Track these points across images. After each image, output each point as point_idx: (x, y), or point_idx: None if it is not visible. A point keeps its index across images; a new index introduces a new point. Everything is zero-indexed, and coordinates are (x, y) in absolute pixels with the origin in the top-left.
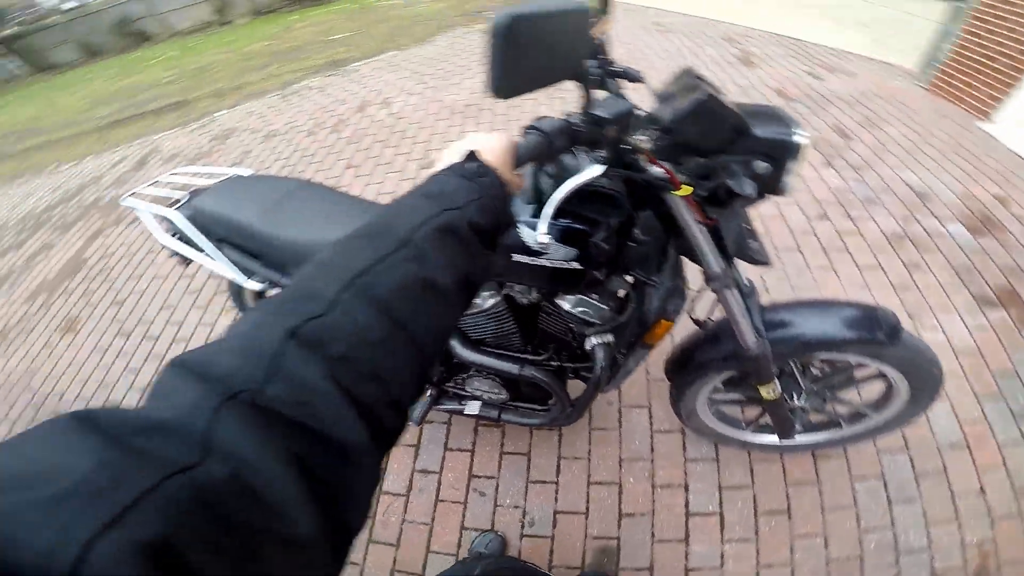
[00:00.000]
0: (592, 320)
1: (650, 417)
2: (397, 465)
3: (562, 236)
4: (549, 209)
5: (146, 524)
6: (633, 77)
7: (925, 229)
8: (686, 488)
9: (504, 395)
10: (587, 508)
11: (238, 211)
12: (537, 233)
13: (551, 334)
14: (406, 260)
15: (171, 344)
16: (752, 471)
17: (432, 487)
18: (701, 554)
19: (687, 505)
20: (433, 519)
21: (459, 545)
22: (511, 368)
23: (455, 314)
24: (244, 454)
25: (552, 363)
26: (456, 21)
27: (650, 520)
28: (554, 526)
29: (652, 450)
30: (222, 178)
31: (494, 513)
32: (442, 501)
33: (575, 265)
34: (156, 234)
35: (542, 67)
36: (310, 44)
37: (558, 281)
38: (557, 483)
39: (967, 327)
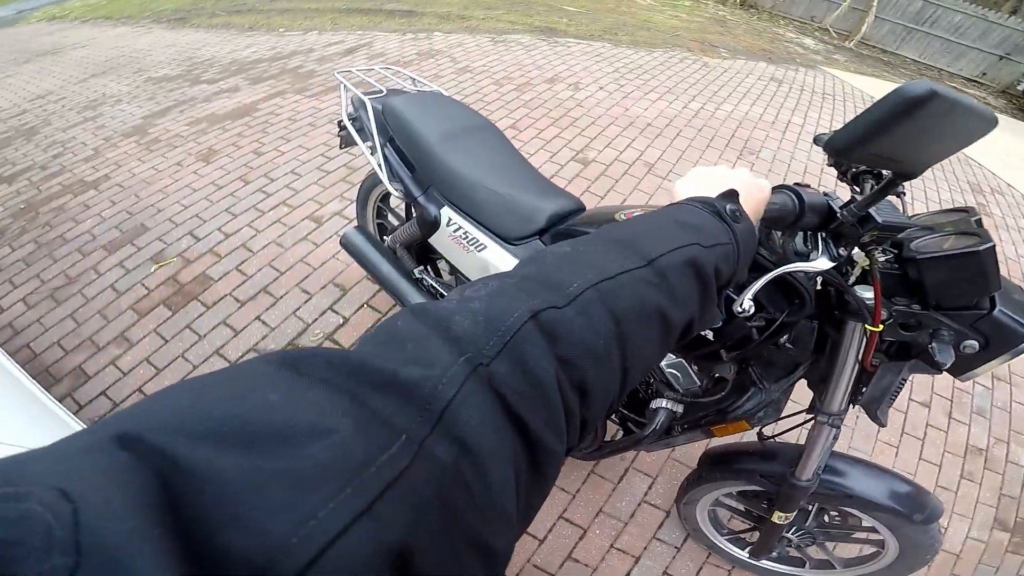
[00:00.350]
0: (675, 386)
1: (650, 487)
2: None
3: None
4: (762, 282)
5: (392, 521)
6: (899, 193)
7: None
8: (637, 560)
9: None
10: (545, 537)
11: (421, 122)
12: (740, 300)
13: None
14: (648, 283)
15: (278, 204)
16: (699, 571)
17: None
18: None
19: (628, 574)
20: None
21: None
22: None
23: (666, 352)
24: (477, 442)
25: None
26: (685, 43)
27: (589, 574)
28: None
29: (632, 516)
30: (425, 89)
31: None
32: None
33: (708, 334)
34: (343, 110)
35: (894, 152)
36: (541, 3)
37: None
38: None
39: (968, 536)
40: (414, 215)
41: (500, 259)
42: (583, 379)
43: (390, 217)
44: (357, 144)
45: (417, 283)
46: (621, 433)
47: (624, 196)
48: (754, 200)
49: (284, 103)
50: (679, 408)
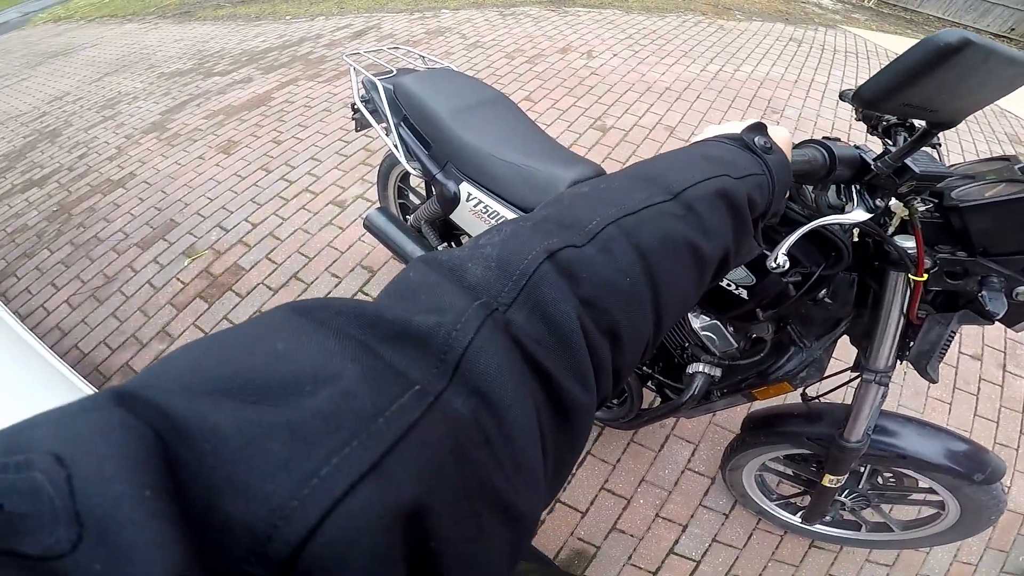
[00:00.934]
0: (711, 349)
1: (693, 454)
2: None
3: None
4: (795, 236)
5: (403, 479)
6: (934, 144)
7: None
8: (684, 528)
9: None
10: (588, 509)
11: (433, 99)
12: (774, 254)
13: (662, 343)
14: (675, 215)
15: (301, 192)
16: (750, 536)
17: None
18: None
19: (675, 543)
20: None
21: None
22: None
23: (701, 290)
24: (496, 393)
25: (646, 370)
26: (697, 7)
27: (635, 543)
28: (550, 511)
29: (676, 484)
30: (434, 66)
31: None
32: None
33: (742, 292)
34: (355, 93)
35: (928, 101)
36: None
37: (710, 298)
38: (573, 475)
39: None
40: (434, 193)
41: None
42: (611, 322)
43: (411, 196)
44: (372, 126)
45: None
46: (659, 401)
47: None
48: (782, 139)
49: (298, 90)
50: (716, 372)
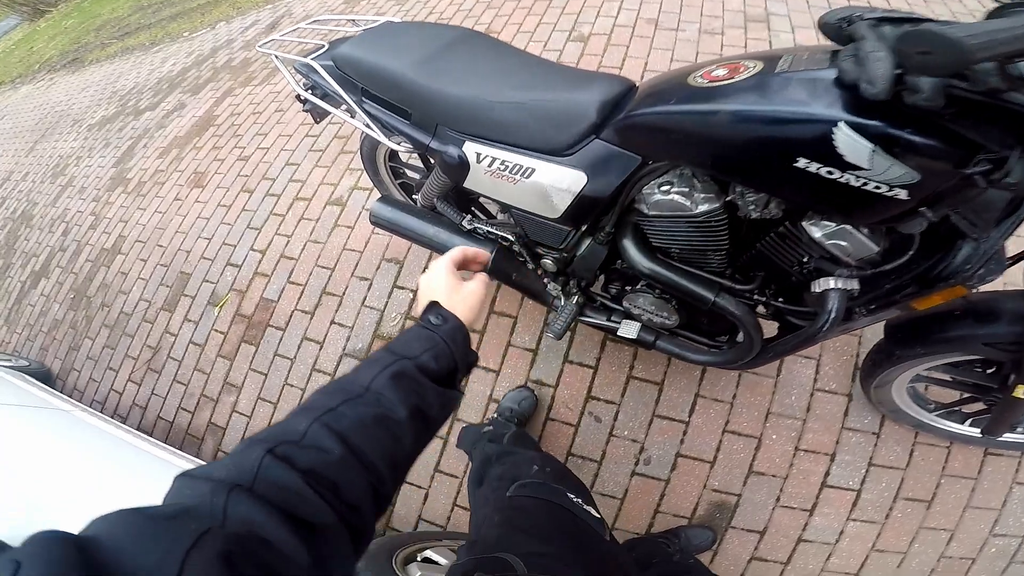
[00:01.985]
0: (843, 259)
1: (816, 372)
2: (511, 372)
3: (902, 149)
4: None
5: None
6: None
7: None
8: (832, 458)
9: (673, 320)
10: (715, 457)
11: (388, 60)
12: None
13: (770, 261)
14: (365, 403)
15: (292, 202)
16: (912, 454)
17: (544, 402)
18: (820, 527)
19: (826, 475)
20: (540, 438)
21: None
22: (703, 293)
23: (409, 441)
24: (256, 518)
25: (757, 297)
26: None
27: (780, 483)
28: (672, 469)
29: (808, 409)
30: (370, 26)
31: (607, 443)
32: (551, 420)
33: (900, 194)
34: (292, 83)
35: None
36: None
37: (850, 206)
38: (688, 423)
39: None
40: (434, 164)
41: (556, 178)
42: (333, 480)
43: (409, 172)
44: (332, 112)
45: (471, 235)
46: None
47: (642, 60)
48: (461, 303)
49: (238, 100)
50: (854, 285)
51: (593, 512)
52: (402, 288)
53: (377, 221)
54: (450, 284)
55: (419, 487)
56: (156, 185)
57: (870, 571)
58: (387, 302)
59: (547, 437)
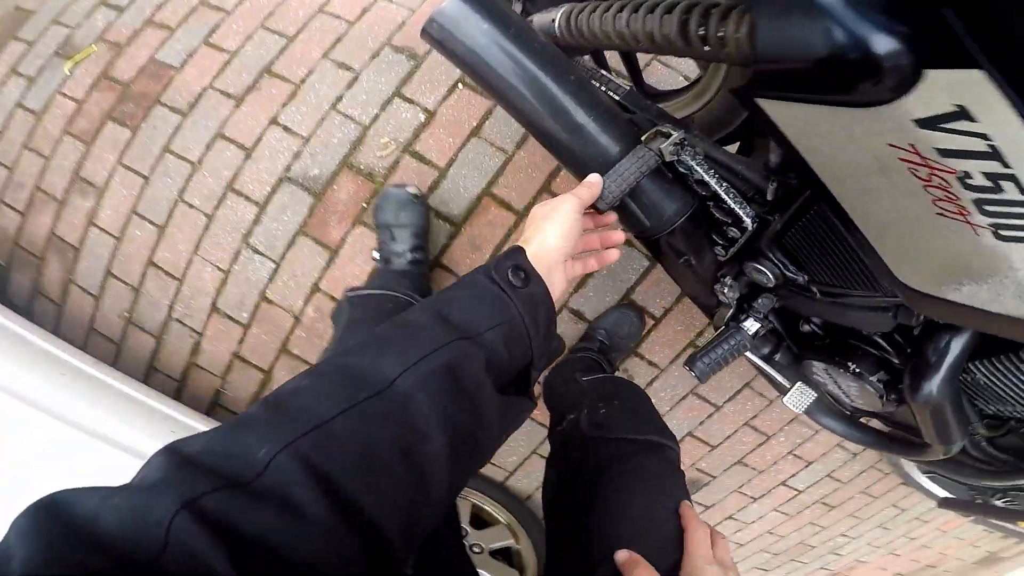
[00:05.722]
0: None
1: None
2: None
3: None
4: None
5: None
6: None
7: None
8: None
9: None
10: None
11: None
12: None
13: None
14: (380, 416)
15: None
16: None
17: None
18: None
19: None
20: None
21: None
22: None
23: (443, 483)
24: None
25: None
26: None
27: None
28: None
29: None
30: None
31: None
32: None
33: None
34: None
35: None
36: None
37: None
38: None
39: None
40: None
41: None
42: (294, 560)
43: None
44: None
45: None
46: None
47: None
48: (544, 255)
49: None
50: None
51: None
52: (410, 102)
53: (443, 35)
54: (572, 234)
55: None
56: None
57: None
58: (377, 115)
59: None
